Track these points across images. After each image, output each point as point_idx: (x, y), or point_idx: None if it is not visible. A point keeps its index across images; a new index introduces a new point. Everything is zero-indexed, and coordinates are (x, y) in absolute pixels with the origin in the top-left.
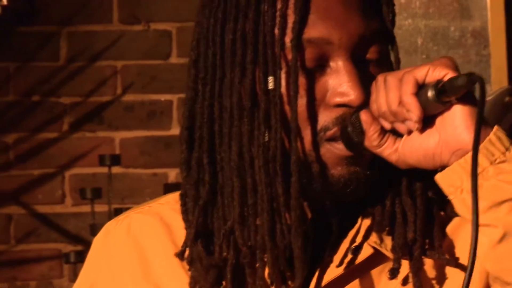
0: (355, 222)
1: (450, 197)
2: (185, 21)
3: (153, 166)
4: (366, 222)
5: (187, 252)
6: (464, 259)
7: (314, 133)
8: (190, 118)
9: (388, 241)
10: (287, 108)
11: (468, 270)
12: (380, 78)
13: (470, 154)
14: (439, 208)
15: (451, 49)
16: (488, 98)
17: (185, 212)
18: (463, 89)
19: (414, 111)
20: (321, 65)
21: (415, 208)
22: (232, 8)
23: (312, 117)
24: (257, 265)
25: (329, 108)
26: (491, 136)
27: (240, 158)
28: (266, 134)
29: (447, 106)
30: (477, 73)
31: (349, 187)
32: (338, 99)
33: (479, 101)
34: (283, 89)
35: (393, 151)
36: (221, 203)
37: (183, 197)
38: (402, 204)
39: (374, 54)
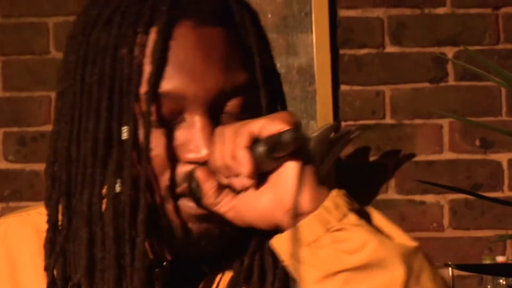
0: (217, 274)
1: (285, 263)
2: (12, 54)
3: None
4: (226, 276)
5: None
6: None
7: (165, 188)
8: (52, 154)
9: None
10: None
11: None
12: (218, 130)
13: (303, 221)
14: None
15: None
16: (314, 135)
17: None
18: (290, 146)
19: (245, 166)
20: (177, 119)
21: (275, 268)
22: (92, 49)
23: (164, 172)
24: None
25: (181, 163)
26: (327, 202)
27: (90, 208)
28: (119, 186)
29: (280, 162)
30: (302, 130)
31: (201, 244)
32: (189, 156)
33: (303, 163)
34: (138, 140)
35: (229, 208)
36: (73, 252)
37: (46, 234)
38: (262, 261)
39: (234, 107)
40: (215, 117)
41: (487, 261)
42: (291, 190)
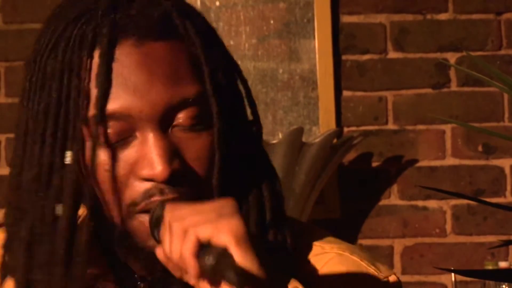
0: None
1: None
2: (14, 60)
3: None
4: None
5: None
6: None
7: (126, 207)
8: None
9: None
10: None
11: None
12: (168, 218)
13: None
14: None
15: (280, 91)
16: (316, 140)
17: None
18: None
19: (191, 272)
20: (128, 137)
21: None
22: (40, 77)
23: (120, 192)
24: None
25: (137, 181)
26: None
27: (30, 232)
28: (60, 210)
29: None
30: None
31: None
32: (144, 172)
33: None
34: (87, 163)
35: (195, 282)
36: (13, 275)
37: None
38: None
39: (186, 120)
40: (166, 130)
41: (490, 267)
42: None
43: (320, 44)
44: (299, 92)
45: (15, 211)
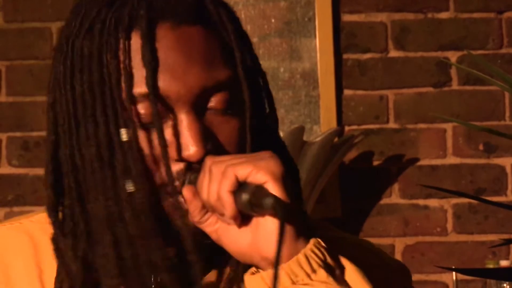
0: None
1: None
2: (15, 59)
3: None
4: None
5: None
6: None
7: (160, 186)
8: (53, 162)
9: None
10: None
11: None
12: (208, 162)
13: (271, 272)
14: None
15: (281, 90)
16: (317, 139)
17: (60, 257)
18: (268, 212)
19: (227, 210)
20: (164, 118)
21: None
22: (77, 58)
23: (157, 171)
24: None
25: (171, 162)
26: (299, 256)
27: (107, 211)
28: (131, 186)
29: (263, 213)
30: (280, 200)
31: (200, 235)
32: (178, 154)
33: (279, 230)
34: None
35: (214, 230)
36: (99, 255)
37: (54, 241)
38: None
39: (219, 103)
40: (200, 113)
41: (491, 265)
42: (270, 242)
43: (321, 43)
44: (300, 91)
45: (76, 193)
